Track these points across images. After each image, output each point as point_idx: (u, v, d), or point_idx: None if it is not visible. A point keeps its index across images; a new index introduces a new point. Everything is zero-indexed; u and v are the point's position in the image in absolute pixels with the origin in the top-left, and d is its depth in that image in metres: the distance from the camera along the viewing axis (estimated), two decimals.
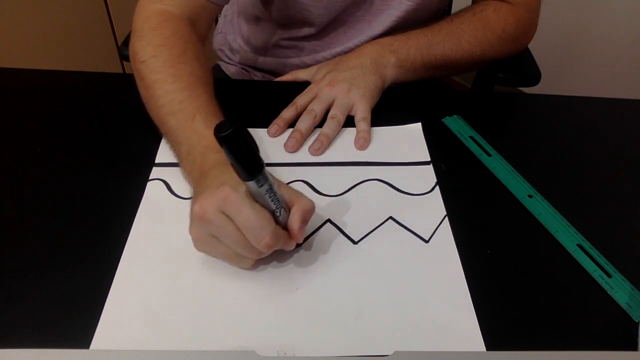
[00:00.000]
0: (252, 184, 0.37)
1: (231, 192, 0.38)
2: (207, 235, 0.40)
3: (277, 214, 0.41)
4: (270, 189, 0.39)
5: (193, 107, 0.48)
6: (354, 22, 0.72)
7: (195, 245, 0.42)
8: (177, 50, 0.53)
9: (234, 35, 0.86)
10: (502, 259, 0.47)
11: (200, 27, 0.61)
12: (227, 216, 0.38)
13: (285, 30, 0.75)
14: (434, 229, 0.49)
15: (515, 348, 0.40)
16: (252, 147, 0.36)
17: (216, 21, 0.95)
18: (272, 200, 0.39)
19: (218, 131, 0.34)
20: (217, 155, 0.38)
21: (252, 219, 0.38)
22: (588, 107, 0.69)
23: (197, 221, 0.39)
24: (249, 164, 0.36)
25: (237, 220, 0.38)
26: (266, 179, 0.38)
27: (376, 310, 0.42)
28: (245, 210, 0.38)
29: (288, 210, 0.42)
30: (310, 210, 0.42)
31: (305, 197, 0.43)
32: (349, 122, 0.60)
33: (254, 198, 0.39)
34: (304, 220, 0.42)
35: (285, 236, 0.41)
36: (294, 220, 0.41)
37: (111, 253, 0.44)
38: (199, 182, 0.43)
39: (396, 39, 0.66)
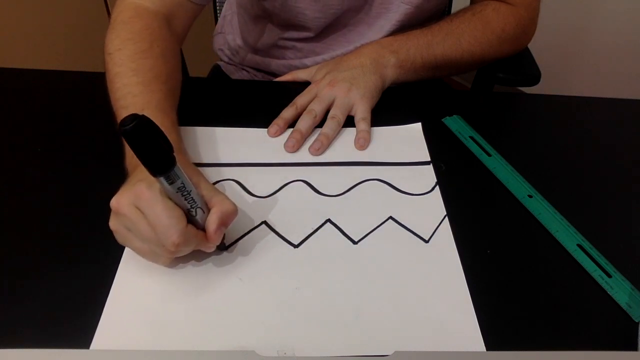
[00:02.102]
0: (162, 180, 0.38)
1: (145, 189, 0.38)
2: (124, 229, 0.40)
3: (193, 213, 0.40)
4: (183, 187, 0.39)
5: (143, 102, 0.48)
6: (353, 25, 0.72)
7: (116, 238, 0.42)
8: (143, 45, 0.53)
9: (233, 35, 0.86)
10: (502, 259, 0.47)
11: (177, 25, 0.61)
12: (141, 212, 0.39)
13: (285, 31, 0.75)
14: (434, 229, 0.49)
15: (515, 348, 0.40)
16: (159, 144, 0.36)
17: (216, 21, 0.95)
18: (185, 199, 0.39)
19: (121, 125, 0.34)
20: None
21: (161, 216, 0.38)
22: (588, 107, 0.69)
23: (114, 214, 0.40)
24: (154, 160, 0.37)
25: (148, 216, 0.38)
26: (177, 177, 0.38)
27: (376, 310, 0.42)
28: (156, 207, 0.38)
29: (208, 211, 0.42)
30: (230, 213, 0.42)
31: (228, 200, 0.42)
32: (349, 122, 0.60)
33: (169, 196, 0.39)
34: (222, 223, 0.41)
35: (199, 237, 0.41)
36: (210, 222, 0.41)
37: (111, 253, 0.44)
38: (128, 177, 0.44)
39: (396, 39, 0.66)
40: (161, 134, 0.36)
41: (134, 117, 0.34)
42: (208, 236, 0.41)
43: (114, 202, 0.40)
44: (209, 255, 0.45)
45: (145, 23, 0.56)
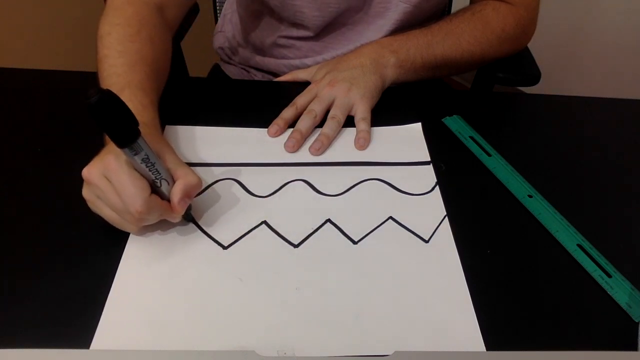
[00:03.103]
0: (126, 151, 0.40)
1: (113, 160, 0.41)
2: (94, 197, 0.43)
3: (158, 184, 0.43)
4: (147, 159, 0.41)
5: (125, 81, 0.51)
6: (353, 24, 0.72)
7: (89, 206, 0.44)
8: (131, 30, 0.56)
9: (233, 34, 0.86)
10: (502, 259, 0.47)
11: (169, 14, 0.63)
12: (109, 181, 0.41)
13: (284, 30, 0.75)
14: (434, 229, 0.49)
15: (515, 348, 0.40)
16: (122, 117, 0.38)
17: (216, 21, 0.95)
18: (150, 171, 0.42)
19: (85, 98, 0.36)
20: None
21: (127, 185, 0.41)
22: (588, 107, 0.69)
23: (85, 183, 0.43)
24: (117, 132, 0.39)
25: (115, 184, 0.41)
26: (141, 149, 0.40)
27: (376, 310, 0.42)
28: (122, 176, 0.41)
29: (174, 182, 0.44)
30: (194, 185, 0.45)
31: (193, 173, 0.45)
32: (349, 122, 0.60)
33: (134, 167, 0.41)
34: (186, 194, 0.44)
35: (164, 206, 0.44)
36: (174, 193, 0.43)
37: (111, 253, 0.44)
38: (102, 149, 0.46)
39: (396, 39, 0.66)
40: (125, 107, 0.38)
41: (97, 90, 0.36)
42: (172, 206, 0.44)
43: (85, 172, 0.42)
44: (208, 255, 0.45)
45: (135, 9, 0.58)
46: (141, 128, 0.41)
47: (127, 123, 0.39)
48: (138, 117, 0.46)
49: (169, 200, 0.44)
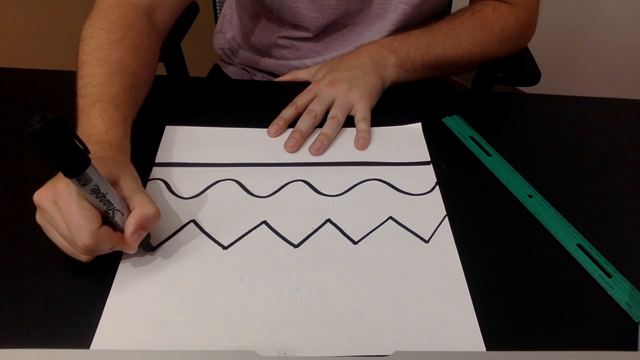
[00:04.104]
0: (74, 181, 0.37)
1: (63, 187, 0.39)
2: (46, 223, 0.41)
3: (110, 215, 0.40)
4: (97, 189, 0.38)
5: (99, 94, 0.48)
6: (353, 25, 0.72)
7: (43, 231, 0.42)
8: (115, 36, 0.53)
9: (233, 34, 0.86)
10: (502, 259, 0.47)
11: (159, 18, 0.61)
12: (59, 208, 0.39)
13: (284, 30, 0.75)
14: (434, 229, 0.49)
15: (515, 348, 0.40)
16: (68, 146, 0.35)
17: (216, 21, 0.95)
18: (101, 201, 0.39)
19: (28, 125, 0.33)
20: (92, 147, 0.38)
21: (74, 216, 0.38)
22: (588, 107, 0.69)
23: (37, 208, 0.41)
24: (63, 162, 0.36)
25: (64, 213, 0.39)
26: (90, 180, 0.37)
27: (376, 310, 0.42)
28: (70, 207, 0.38)
29: (129, 212, 0.42)
30: (150, 216, 0.41)
31: (150, 203, 0.42)
32: (349, 122, 0.60)
33: (85, 196, 0.39)
34: (140, 226, 0.41)
35: (115, 239, 0.41)
36: (128, 224, 0.41)
37: (111, 253, 0.44)
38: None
39: (396, 39, 0.66)
40: (71, 136, 0.35)
41: (42, 117, 0.33)
42: (125, 239, 0.41)
43: (36, 197, 0.40)
44: (208, 255, 0.45)
45: (122, 13, 0.55)
46: (104, 148, 0.38)
47: (74, 153, 0.36)
48: (105, 136, 0.44)
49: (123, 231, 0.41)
